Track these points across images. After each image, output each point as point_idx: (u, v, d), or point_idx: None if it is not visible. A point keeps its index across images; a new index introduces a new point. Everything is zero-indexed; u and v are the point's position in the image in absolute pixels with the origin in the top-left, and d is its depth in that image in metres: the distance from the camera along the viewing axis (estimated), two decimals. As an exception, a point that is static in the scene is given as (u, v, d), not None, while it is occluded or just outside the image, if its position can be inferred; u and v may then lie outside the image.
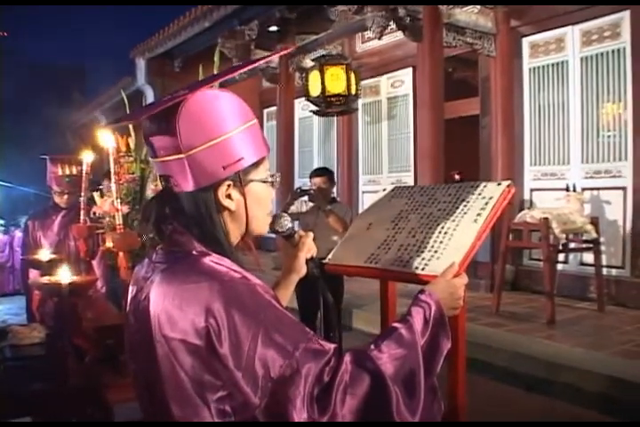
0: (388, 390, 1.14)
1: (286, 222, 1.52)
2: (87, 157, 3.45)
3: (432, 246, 1.54)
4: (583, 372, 4.61)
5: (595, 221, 6.37)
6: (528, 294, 7.46)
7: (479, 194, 1.62)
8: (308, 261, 1.56)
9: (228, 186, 1.25)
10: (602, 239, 6.57)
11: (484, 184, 1.65)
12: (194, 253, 1.21)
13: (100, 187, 3.28)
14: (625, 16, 6.86)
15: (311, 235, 1.56)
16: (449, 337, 1.29)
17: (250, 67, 1.45)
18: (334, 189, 5.49)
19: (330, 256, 1.74)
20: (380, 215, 1.78)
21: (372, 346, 1.21)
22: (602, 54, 7.15)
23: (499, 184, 1.62)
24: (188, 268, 1.19)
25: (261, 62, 1.48)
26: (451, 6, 7.45)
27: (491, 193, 1.59)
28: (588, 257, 6.81)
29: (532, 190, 7.98)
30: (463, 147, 9.50)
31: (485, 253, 7.45)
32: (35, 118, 19.55)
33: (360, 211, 9.89)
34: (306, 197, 4.88)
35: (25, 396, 2.28)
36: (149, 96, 12.56)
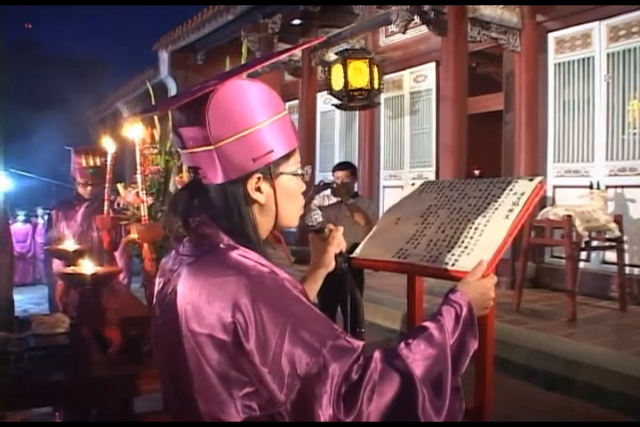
0: (417, 389, 1.12)
1: (317, 216, 1.50)
2: (111, 148, 3.44)
3: (462, 242, 1.52)
4: (603, 371, 4.56)
5: (618, 220, 6.30)
6: (549, 291, 7.42)
7: (510, 190, 1.59)
8: (336, 256, 1.54)
9: (258, 179, 1.23)
10: (625, 238, 6.49)
11: (515, 180, 1.62)
12: (221, 246, 1.19)
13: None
14: (654, 12, 6.75)
15: (341, 229, 1.54)
16: (476, 338, 1.27)
17: (281, 57, 1.43)
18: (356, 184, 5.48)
19: (357, 251, 1.72)
20: (408, 210, 1.76)
21: (402, 344, 1.18)
22: (629, 50, 7.04)
23: (530, 180, 1.59)
24: (215, 261, 1.17)
25: (289, 53, 1.46)
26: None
27: (522, 189, 1.57)
28: (611, 255, 6.74)
29: (554, 187, 7.90)
30: (486, 142, 9.43)
31: (507, 250, 7.37)
32: (57, 110, 19.68)
33: (381, 206, 9.88)
34: (328, 191, 4.88)
35: (47, 386, 2.28)
36: (172, 88, 12.63)
